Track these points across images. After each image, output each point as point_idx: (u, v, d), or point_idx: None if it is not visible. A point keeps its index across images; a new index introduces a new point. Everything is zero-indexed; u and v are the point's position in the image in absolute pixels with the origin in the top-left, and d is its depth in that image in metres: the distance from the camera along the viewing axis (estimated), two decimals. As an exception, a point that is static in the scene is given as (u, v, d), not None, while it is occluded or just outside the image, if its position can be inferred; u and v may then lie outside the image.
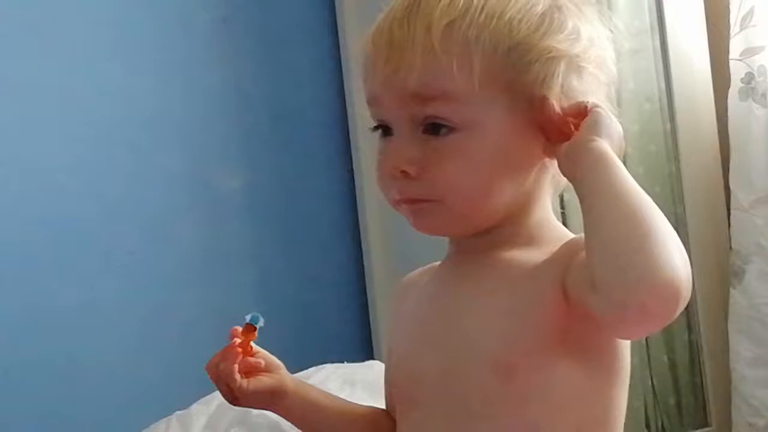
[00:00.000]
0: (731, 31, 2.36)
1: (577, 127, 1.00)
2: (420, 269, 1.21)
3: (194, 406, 1.89)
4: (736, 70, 2.35)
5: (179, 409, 1.90)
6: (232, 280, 2.52)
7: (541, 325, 0.98)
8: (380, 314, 2.64)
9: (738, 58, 2.35)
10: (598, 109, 1.00)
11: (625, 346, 1.03)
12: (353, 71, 2.66)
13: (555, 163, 1.04)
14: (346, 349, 2.48)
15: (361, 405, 1.25)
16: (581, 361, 1.00)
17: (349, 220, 2.72)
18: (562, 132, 1.01)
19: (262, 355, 1.18)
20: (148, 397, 2.30)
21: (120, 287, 2.35)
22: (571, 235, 1.06)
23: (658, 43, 2.45)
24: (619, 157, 0.97)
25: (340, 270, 2.71)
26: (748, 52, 2.33)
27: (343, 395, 1.82)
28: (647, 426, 2.47)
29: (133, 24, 2.44)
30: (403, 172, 1.03)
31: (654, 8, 2.46)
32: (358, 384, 1.88)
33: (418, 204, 1.05)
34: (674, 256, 0.87)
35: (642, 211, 0.89)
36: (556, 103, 1.01)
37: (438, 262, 1.17)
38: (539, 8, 1.03)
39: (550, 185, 1.09)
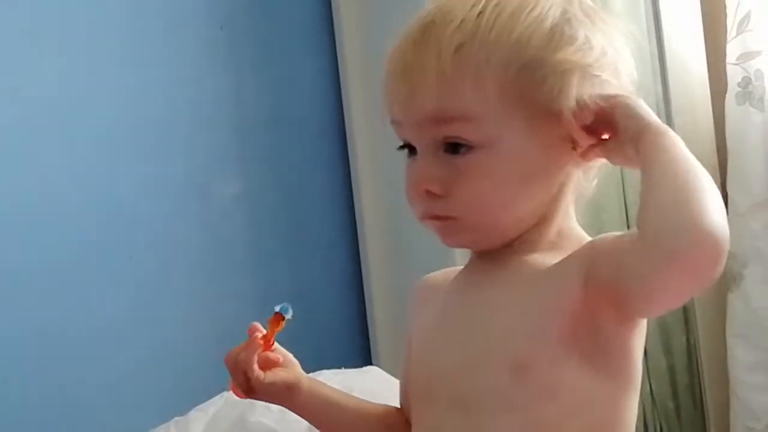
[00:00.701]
0: (728, 36, 2.36)
1: (603, 127, 1.03)
2: (441, 271, 1.23)
3: (192, 413, 1.89)
4: (733, 75, 2.35)
5: (177, 416, 1.90)
6: (230, 286, 2.52)
7: (557, 320, 1.00)
8: (379, 320, 2.64)
9: (735, 62, 2.35)
10: (620, 99, 1.03)
11: (638, 352, 1.04)
12: (351, 78, 2.66)
13: (578, 172, 1.08)
14: (344, 355, 2.48)
15: (375, 403, 1.26)
16: (594, 363, 1.01)
17: (347, 226, 2.72)
18: (583, 139, 1.04)
19: (280, 351, 1.22)
20: (146, 402, 2.29)
21: (117, 293, 2.34)
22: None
23: (654, 47, 2.45)
24: None
25: (338, 276, 2.71)
26: (745, 56, 2.33)
27: (340, 401, 1.83)
28: (646, 431, 2.47)
29: (129, 32, 2.44)
30: (427, 191, 1.06)
31: (650, 13, 2.46)
32: (355, 390, 1.87)
33: (443, 221, 1.07)
34: (719, 212, 0.90)
35: (694, 173, 0.93)
36: (574, 113, 1.03)
37: (458, 267, 1.18)
38: (549, 23, 1.05)
39: (573, 193, 1.11)
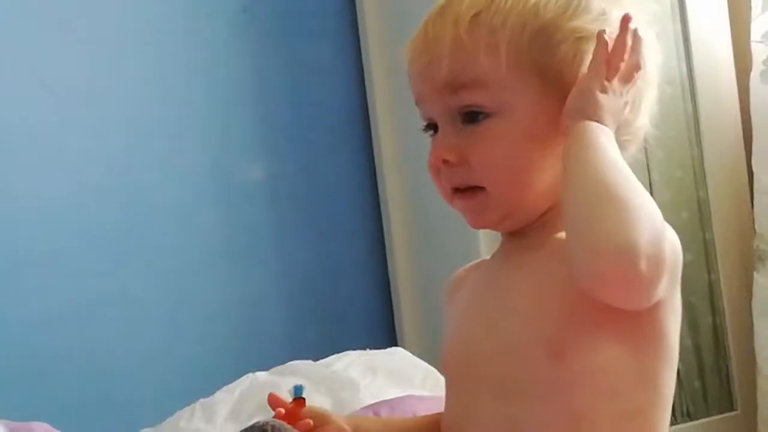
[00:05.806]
0: (753, 14, 2.34)
1: None
2: (468, 265, 1.22)
3: (218, 394, 1.90)
4: (758, 53, 2.33)
5: (203, 397, 1.91)
6: (256, 269, 2.53)
7: (590, 301, 0.98)
8: (403, 301, 2.64)
9: (760, 40, 2.33)
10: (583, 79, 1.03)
11: (672, 330, 1.03)
12: (374, 59, 2.66)
13: None
14: (369, 337, 2.49)
15: (418, 417, 1.25)
16: (630, 344, 1.00)
17: (371, 208, 2.72)
18: None
19: (309, 412, 1.16)
20: (173, 384, 2.31)
21: (144, 277, 2.36)
22: None
23: (679, 26, 2.44)
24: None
25: (362, 257, 2.71)
26: (770, 34, 2.32)
27: (365, 382, 1.84)
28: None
29: (154, 15, 2.45)
30: (444, 160, 1.06)
31: (675, -9, 2.45)
32: (380, 371, 1.89)
33: (469, 197, 1.07)
34: (631, 224, 0.91)
35: (614, 181, 0.95)
36: None
37: (486, 258, 1.18)
38: None
39: None
